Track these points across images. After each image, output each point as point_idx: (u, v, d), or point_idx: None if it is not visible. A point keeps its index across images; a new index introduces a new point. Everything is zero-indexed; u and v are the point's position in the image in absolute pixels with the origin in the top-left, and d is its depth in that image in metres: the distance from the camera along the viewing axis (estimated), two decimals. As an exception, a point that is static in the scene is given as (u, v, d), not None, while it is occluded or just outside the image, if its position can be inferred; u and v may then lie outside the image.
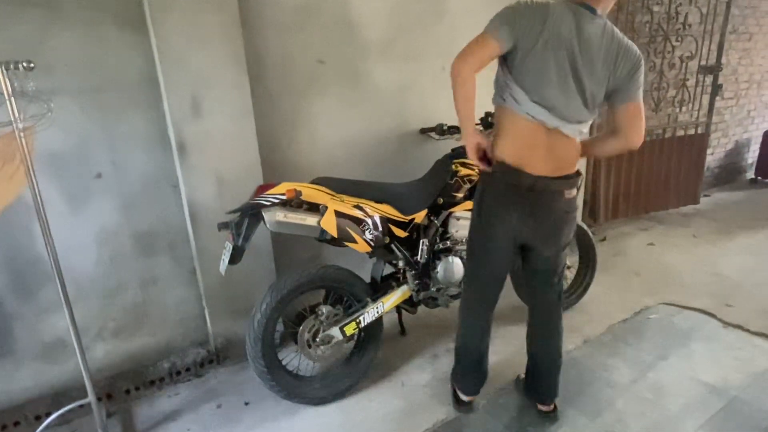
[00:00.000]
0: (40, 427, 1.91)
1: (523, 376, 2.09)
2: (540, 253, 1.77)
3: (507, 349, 2.48)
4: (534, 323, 1.96)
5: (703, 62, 3.96)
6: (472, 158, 1.68)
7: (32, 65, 1.53)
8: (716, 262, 3.40)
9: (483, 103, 2.84)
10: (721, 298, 2.89)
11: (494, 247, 1.76)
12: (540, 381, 1.96)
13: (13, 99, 1.54)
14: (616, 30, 1.58)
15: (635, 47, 1.60)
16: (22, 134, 1.57)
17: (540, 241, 1.73)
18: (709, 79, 4.03)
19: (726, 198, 5.02)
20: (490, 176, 1.69)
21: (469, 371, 1.99)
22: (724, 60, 4.15)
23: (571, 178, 1.67)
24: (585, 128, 1.65)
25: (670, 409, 2.01)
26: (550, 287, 1.86)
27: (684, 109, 4.11)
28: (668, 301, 2.88)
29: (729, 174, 5.59)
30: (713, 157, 5.28)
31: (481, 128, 2.39)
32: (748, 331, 2.54)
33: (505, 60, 1.59)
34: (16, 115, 1.56)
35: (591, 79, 1.55)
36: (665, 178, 4.13)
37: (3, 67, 1.50)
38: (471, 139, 1.65)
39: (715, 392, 2.09)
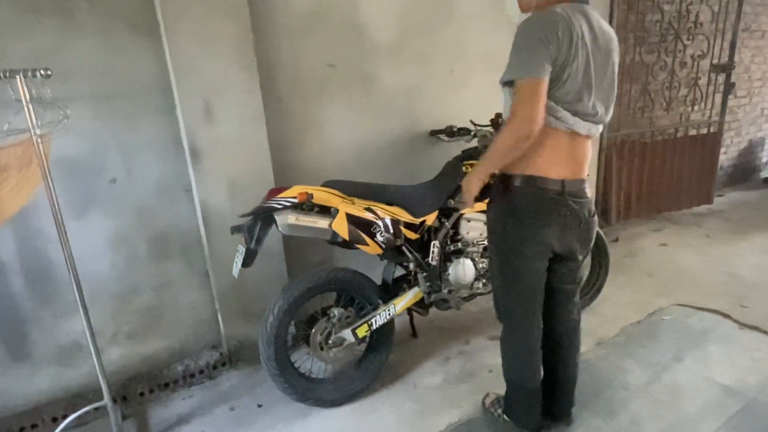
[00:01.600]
0: (57, 429, 1.93)
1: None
2: (571, 263, 1.68)
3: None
4: (553, 344, 1.81)
5: (715, 61, 3.92)
6: (468, 200, 1.67)
7: (49, 73, 1.56)
8: (730, 263, 3.36)
9: (493, 104, 2.86)
10: (736, 298, 2.85)
11: (532, 269, 1.63)
12: (560, 396, 1.88)
13: (30, 106, 1.57)
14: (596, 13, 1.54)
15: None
16: (39, 140, 1.59)
17: (574, 248, 1.64)
18: (721, 78, 3.99)
19: (740, 197, 4.96)
20: (509, 194, 1.58)
21: (527, 406, 1.83)
22: (736, 58, 4.11)
23: (587, 180, 1.62)
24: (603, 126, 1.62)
25: (686, 411, 1.98)
26: (573, 302, 1.78)
27: (696, 108, 4.07)
28: (682, 302, 2.84)
29: (742, 173, 5.52)
30: (726, 156, 5.22)
31: (492, 131, 2.38)
32: (764, 332, 2.50)
33: None
34: (34, 121, 1.59)
35: (613, 75, 1.53)
36: (678, 177, 4.09)
37: (21, 75, 1.53)
38: (477, 186, 1.63)
39: (732, 394, 2.06)
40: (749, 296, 2.87)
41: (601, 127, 1.58)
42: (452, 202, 2.24)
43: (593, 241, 1.70)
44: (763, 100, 5.37)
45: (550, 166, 1.52)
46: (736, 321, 2.62)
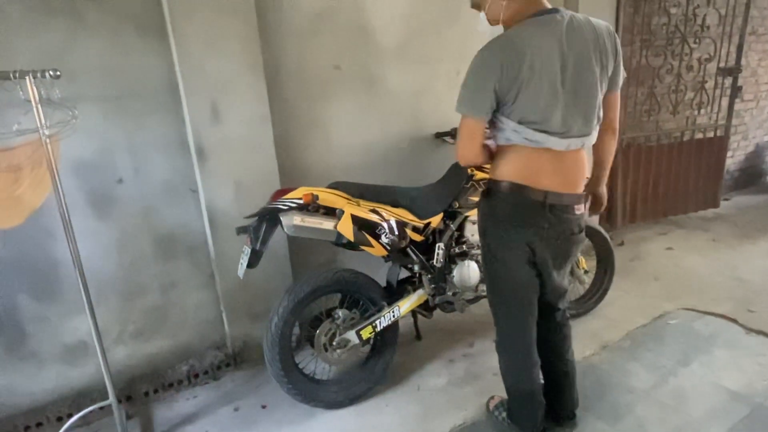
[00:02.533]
0: (62, 429, 1.94)
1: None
2: (549, 276, 1.66)
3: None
4: (542, 350, 1.81)
5: (721, 64, 3.90)
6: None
7: (58, 73, 1.58)
8: (737, 267, 3.33)
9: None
10: (742, 303, 2.83)
11: (512, 275, 1.63)
12: (559, 399, 1.87)
13: (39, 106, 1.58)
14: (580, 16, 1.47)
15: (603, 22, 1.50)
16: (48, 140, 1.60)
17: (551, 263, 1.62)
18: (728, 81, 3.97)
19: (746, 202, 4.92)
20: (492, 199, 1.59)
21: (528, 411, 1.82)
22: (743, 62, 4.09)
23: (580, 195, 1.59)
24: (593, 137, 1.56)
25: (692, 416, 1.97)
26: (555, 311, 1.78)
27: (702, 111, 4.06)
28: (688, 306, 2.83)
29: (749, 177, 5.48)
30: (733, 160, 5.19)
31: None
32: (771, 337, 2.48)
33: (496, 108, 1.48)
34: (43, 121, 1.60)
35: (590, 84, 1.46)
36: (684, 181, 4.07)
37: (30, 76, 1.54)
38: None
39: (739, 399, 2.05)
40: (756, 301, 2.85)
41: (587, 139, 1.53)
42: (457, 204, 2.24)
43: (572, 259, 1.68)
44: (770, 103, 5.34)
45: (534, 176, 1.51)
46: (742, 326, 2.60)
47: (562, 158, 1.51)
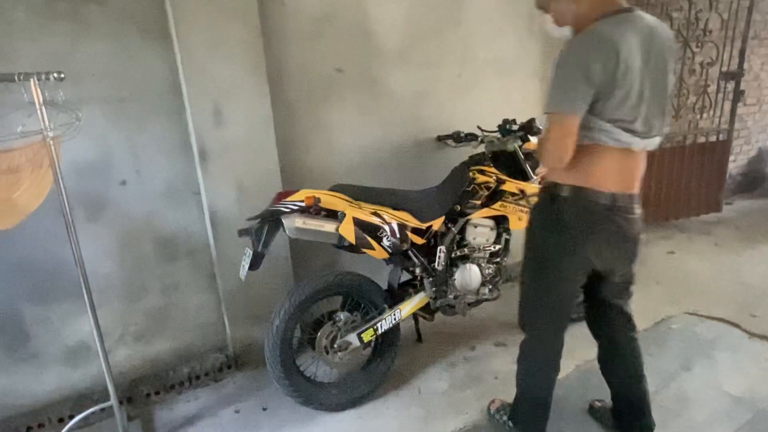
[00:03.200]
0: (63, 430, 1.95)
1: (598, 404, 2.01)
2: (612, 279, 1.64)
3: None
4: (615, 358, 1.79)
5: (724, 68, 3.90)
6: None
7: (62, 76, 1.58)
8: (740, 271, 3.33)
9: (500, 109, 2.85)
10: (745, 307, 2.82)
11: (566, 284, 1.60)
12: (640, 413, 1.81)
13: (44, 108, 1.59)
14: (651, 17, 1.43)
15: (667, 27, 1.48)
16: (51, 143, 1.61)
17: (615, 266, 1.60)
18: (730, 85, 3.97)
19: (749, 206, 4.91)
20: (557, 204, 1.52)
21: (534, 416, 1.81)
22: (745, 66, 4.09)
23: (637, 194, 1.55)
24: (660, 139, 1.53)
25: (695, 420, 1.96)
26: (628, 322, 1.75)
27: (705, 115, 4.05)
28: (690, 310, 2.82)
29: (752, 181, 5.47)
30: (735, 164, 5.18)
31: (499, 135, 2.38)
32: (774, 341, 2.48)
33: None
34: (47, 124, 1.60)
35: (666, 86, 1.45)
36: (686, 185, 4.06)
37: (35, 78, 1.55)
38: None
39: (742, 404, 2.04)
40: (759, 305, 2.84)
41: (658, 140, 1.50)
42: (458, 207, 2.24)
43: (636, 261, 1.63)
44: (772, 108, 5.33)
45: (601, 179, 1.46)
46: (745, 330, 2.60)
47: (631, 159, 1.48)
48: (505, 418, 1.92)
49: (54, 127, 1.64)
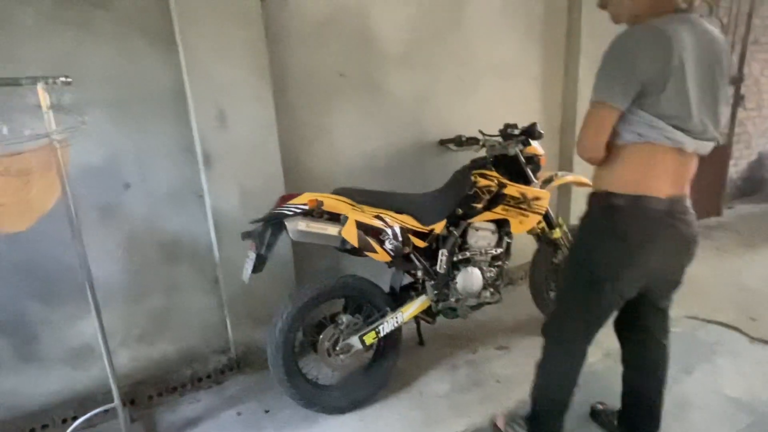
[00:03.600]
0: (67, 431, 1.95)
1: (600, 406, 2.01)
2: (668, 287, 1.62)
3: (526, 360, 2.45)
4: (644, 363, 1.76)
5: (724, 73, 3.91)
6: None
7: (69, 80, 1.60)
8: (740, 275, 3.34)
9: (501, 113, 2.87)
10: (746, 311, 2.83)
11: (617, 297, 1.53)
12: (645, 422, 1.81)
13: (51, 112, 1.61)
14: (708, 22, 1.40)
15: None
16: (58, 146, 1.63)
17: (676, 271, 1.56)
18: (730, 90, 3.99)
19: (749, 210, 4.93)
20: (611, 214, 1.46)
21: (556, 421, 1.79)
22: (746, 71, 4.11)
23: (688, 195, 1.50)
24: (712, 145, 1.47)
25: (695, 424, 1.97)
26: (666, 324, 1.72)
27: (705, 120, 4.06)
28: (691, 314, 2.83)
29: (752, 186, 5.48)
30: (736, 168, 5.19)
31: (501, 140, 2.40)
32: (775, 345, 2.48)
33: (633, 100, 1.38)
34: (53, 127, 1.62)
35: (720, 90, 1.40)
36: (686, 189, 4.07)
37: (42, 82, 1.56)
38: None
39: (742, 407, 2.05)
40: (759, 309, 2.85)
41: (711, 145, 1.44)
42: (460, 210, 2.25)
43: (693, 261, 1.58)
44: (772, 112, 5.35)
45: (656, 184, 1.41)
46: (745, 334, 2.61)
47: (684, 160, 1.42)
48: (522, 430, 1.87)
49: (61, 131, 1.65)
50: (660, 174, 1.41)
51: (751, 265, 3.52)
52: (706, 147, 1.44)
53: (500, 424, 1.94)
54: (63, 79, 1.58)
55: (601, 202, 1.50)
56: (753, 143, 5.30)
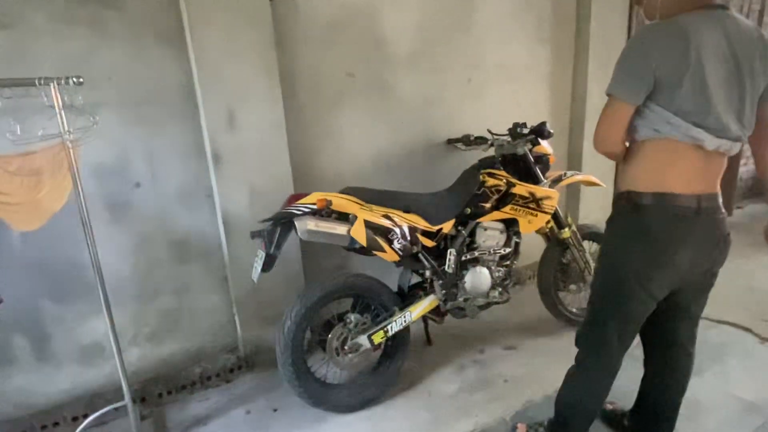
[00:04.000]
0: (78, 429, 1.97)
1: (610, 406, 1.99)
2: (699, 289, 1.58)
3: (534, 361, 2.45)
4: (665, 368, 1.72)
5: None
6: None
7: (81, 80, 1.62)
8: (751, 276, 3.30)
9: (509, 113, 2.86)
10: (757, 312, 2.80)
11: (649, 298, 1.49)
12: (659, 426, 1.78)
13: (63, 112, 1.63)
14: (744, 18, 1.36)
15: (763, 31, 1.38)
16: (71, 146, 1.65)
17: (707, 271, 1.53)
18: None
19: (760, 210, 4.87)
20: (639, 214, 1.43)
21: (582, 428, 1.75)
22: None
23: (719, 194, 1.47)
24: (739, 146, 1.44)
25: (705, 426, 1.95)
26: (694, 331, 1.68)
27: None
28: (702, 315, 2.79)
29: (763, 185, 5.42)
30: (746, 168, 5.14)
31: (509, 139, 2.39)
32: (786, 347, 2.46)
33: (649, 95, 1.36)
34: (66, 127, 1.64)
35: (749, 89, 1.36)
36: (696, 189, 4.03)
37: (55, 83, 1.58)
38: None
39: (753, 409, 2.03)
40: (770, 310, 2.82)
41: (738, 145, 1.41)
42: (468, 210, 2.25)
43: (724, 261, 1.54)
44: (784, 111, 5.28)
45: (680, 181, 1.38)
46: (756, 335, 2.58)
47: (710, 158, 1.39)
48: None
49: (73, 131, 1.67)
50: (683, 171, 1.38)
51: (762, 265, 3.49)
52: (733, 147, 1.39)
53: None
54: (75, 79, 1.60)
55: (626, 202, 1.47)
56: (764, 142, 5.24)
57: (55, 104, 1.61)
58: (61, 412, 2.12)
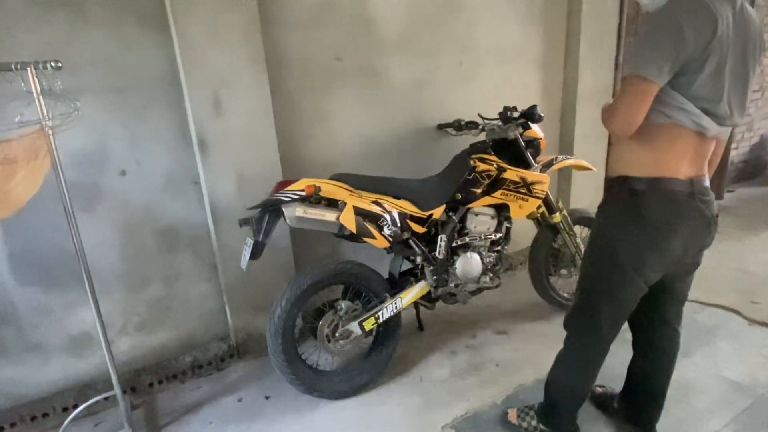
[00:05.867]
0: (67, 419, 1.96)
1: (599, 389, 2.01)
2: (687, 269, 1.58)
3: (525, 345, 2.47)
4: (653, 348, 1.74)
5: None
6: None
7: (60, 65, 1.57)
8: (741, 259, 3.33)
9: (501, 97, 2.84)
10: (746, 294, 2.83)
11: (642, 283, 1.49)
12: (648, 407, 1.80)
13: (41, 98, 1.58)
14: (747, 4, 1.34)
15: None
16: (50, 132, 1.60)
17: (698, 253, 1.53)
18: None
19: (750, 193, 4.90)
20: (637, 198, 1.42)
21: (572, 412, 1.78)
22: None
23: (708, 178, 1.47)
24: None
25: (695, 407, 1.97)
26: (680, 310, 1.69)
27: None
28: (691, 297, 2.76)
29: (753, 169, 5.45)
30: (737, 152, 5.16)
31: (500, 123, 2.37)
32: (775, 328, 2.48)
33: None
34: (45, 113, 1.60)
35: (750, 75, 1.35)
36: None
37: (32, 67, 1.53)
38: None
39: (741, 390, 2.05)
40: (760, 292, 2.85)
41: (729, 129, 1.43)
42: (459, 195, 2.23)
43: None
44: (775, 95, 5.30)
45: (676, 166, 1.38)
46: (745, 317, 2.60)
47: (704, 143, 1.39)
48: (534, 423, 1.85)
49: (52, 117, 1.63)
50: (680, 156, 1.38)
51: (751, 248, 3.52)
52: (726, 132, 1.42)
53: (512, 418, 1.91)
54: (53, 64, 1.55)
55: (621, 187, 1.46)
56: (755, 126, 5.25)
57: (33, 90, 1.56)
58: (51, 403, 2.10)
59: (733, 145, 4.94)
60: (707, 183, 1.46)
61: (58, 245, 1.99)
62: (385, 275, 2.29)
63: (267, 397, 2.19)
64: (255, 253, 1.92)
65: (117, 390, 1.93)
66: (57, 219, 1.87)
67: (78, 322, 2.12)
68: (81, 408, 1.98)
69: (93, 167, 2.03)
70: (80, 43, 1.90)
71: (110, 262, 2.14)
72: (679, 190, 1.39)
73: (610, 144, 3.68)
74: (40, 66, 1.55)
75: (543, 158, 2.50)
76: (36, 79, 1.56)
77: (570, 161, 2.58)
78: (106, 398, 2.03)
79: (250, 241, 1.92)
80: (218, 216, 2.24)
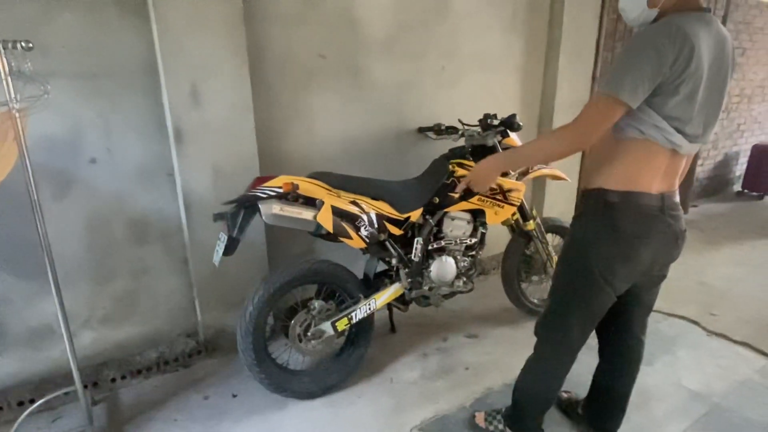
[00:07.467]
0: (23, 414, 1.89)
1: (565, 395, 2.05)
2: (654, 281, 1.64)
3: (495, 349, 2.50)
4: (618, 356, 1.79)
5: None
6: (483, 187, 1.75)
7: (30, 45, 1.51)
8: (702, 272, 3.46)
9: (482, 103, 2.86)
10: (706, 306, 2.94)
11: (612, 292, 1.53)
12: (612, 413, 1.85)
13: (9, 79, 1.51)
14: (719, 22, 1.38)
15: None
16: (18, 114, 1.54)
17: (665, 266, 1.60)
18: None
19: (713, 209, 5.11)
20: (610, 211, 1.45)
21: (538, 417, 1.83)
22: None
23: (677, 193, 1.52)
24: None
25: (654, 414, 2.04)
26: (646, 320, 1.75)
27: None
28: (655, 307, 2.90)
29: (717, 186, 5.68)
30: (702, 168, 5.36)
31: (479, 130, 2.40)
32: (731, 339, 2.59)
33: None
34: (13, 95, 1.53)
35: (722, 95, 1.40)
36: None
37: (1, 46, 1.47)
38: (495, 176, 1.71)
39: (698, 398, 2.13)
40: (718, 305, 2.97)
41: (699, 147, 1.49)
42: (437, 199, 2.24)
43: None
44: (739, 115, 5.54)
45: (649, 181, 1.42)
46: (704, 328, 2.71)
47: (676, 160, 1.43)
48: (500, 426, 1.88)
49: (21, 99, 1.56)
50: (653, 171, 1.42)
51: (712, 262, 3.66)
52: (696, 149, 1.47)
53: (480, 421, 1.93)
54: (23, 44, 1.49)
55: (596, 199, 1.49)
56: (720, 144, 5.48)
57: (1, 70, 1.49)
58: (6, 397, 2.01)
59: (699, 162, 5.13)
60: (677, 198, 1.52)
61: (20, 233, 1.90)
62: (360, 276, 2.28)
63: (234, 396, 2.16)
64: (229, 249, 1.88)
65: (78, 385, 1.86)
66: (20, 205, 1.80)
67: (39, 314, 2.03)
68: (38, 403, 1.91)
69: (62, 153, 1.95)
70: (54, 24, 1.83)
71: (76, 252, 2.07)
72: (651, 205, 1.43)
73: (584, 156, 3.77)
74: (10, 45, 1.48)
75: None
76: (4, 59, 1.49)
77: (545, 170, 2.62)
78: (66, 393, 1.96)
79: (223, 237, 1.88)
80: (192, 209, 2.19)
